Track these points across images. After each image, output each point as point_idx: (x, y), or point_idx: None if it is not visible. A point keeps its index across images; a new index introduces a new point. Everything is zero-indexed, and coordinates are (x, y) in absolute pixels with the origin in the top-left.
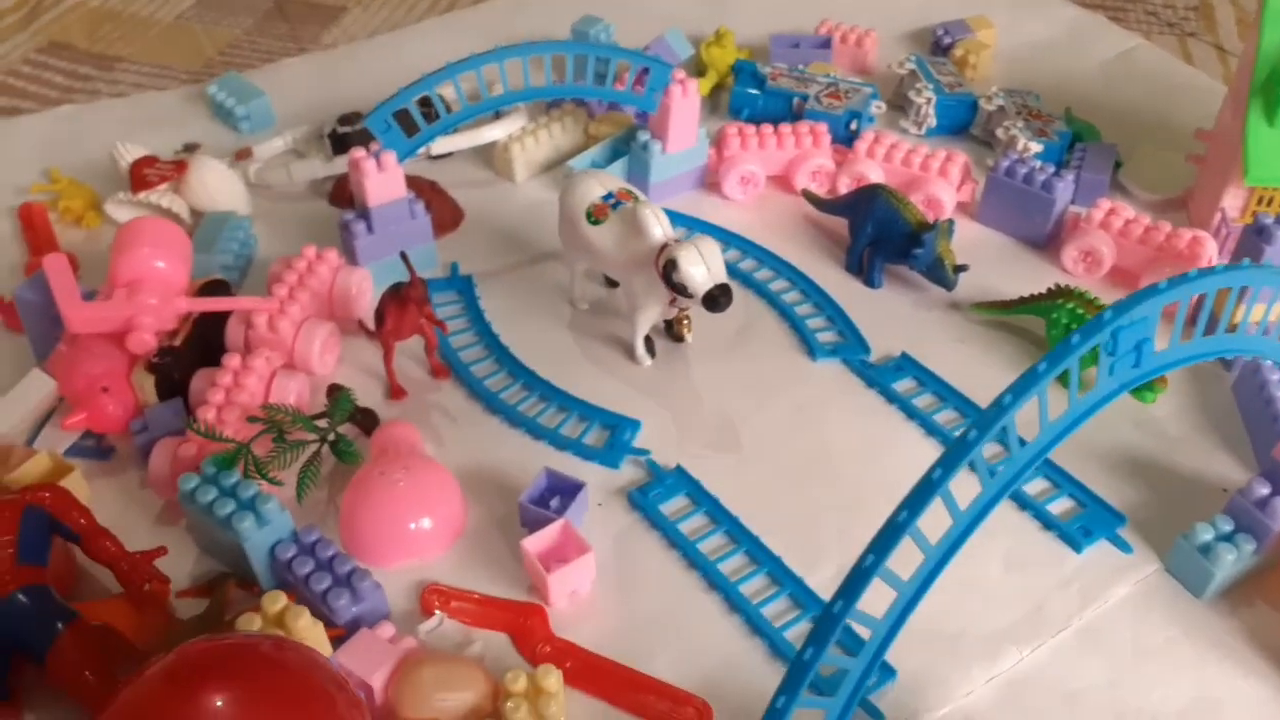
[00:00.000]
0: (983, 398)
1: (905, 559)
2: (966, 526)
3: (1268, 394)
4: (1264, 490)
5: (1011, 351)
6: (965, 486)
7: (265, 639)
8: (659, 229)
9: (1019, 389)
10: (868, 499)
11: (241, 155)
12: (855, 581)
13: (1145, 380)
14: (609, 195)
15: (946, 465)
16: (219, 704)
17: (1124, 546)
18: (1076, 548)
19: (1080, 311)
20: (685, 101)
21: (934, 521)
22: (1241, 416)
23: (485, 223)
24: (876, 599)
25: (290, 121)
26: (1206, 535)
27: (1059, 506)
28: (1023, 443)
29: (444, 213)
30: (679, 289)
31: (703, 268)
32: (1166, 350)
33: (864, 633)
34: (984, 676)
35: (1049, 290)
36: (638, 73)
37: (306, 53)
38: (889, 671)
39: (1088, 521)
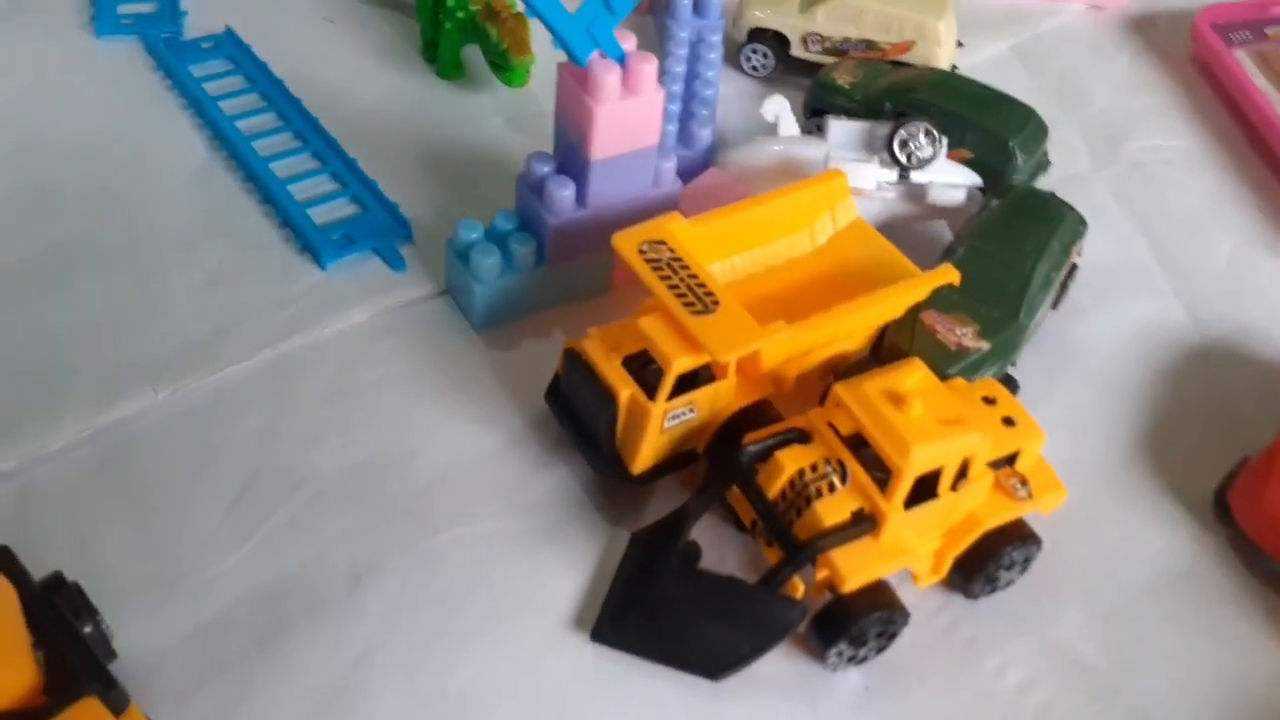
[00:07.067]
0: (317, 82)
1: None
2: None
3: None
4: (544, 168)
5: (388, 31)
6: None
7: None
8: None
9: None
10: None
11: None
12: None
13: None
14: None
15: None
16: None
17: (396, 262)
18: (321, 262)
19: None
20: None
21: None
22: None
23: None
24: None
25: None
26: (472, 234)
27: (338, 209)
28: None
29: None
30: None
31: None
32: None
33: None
34: (110, 417)
35: None
36: None
37: None
38: None
39: (357, 228)
